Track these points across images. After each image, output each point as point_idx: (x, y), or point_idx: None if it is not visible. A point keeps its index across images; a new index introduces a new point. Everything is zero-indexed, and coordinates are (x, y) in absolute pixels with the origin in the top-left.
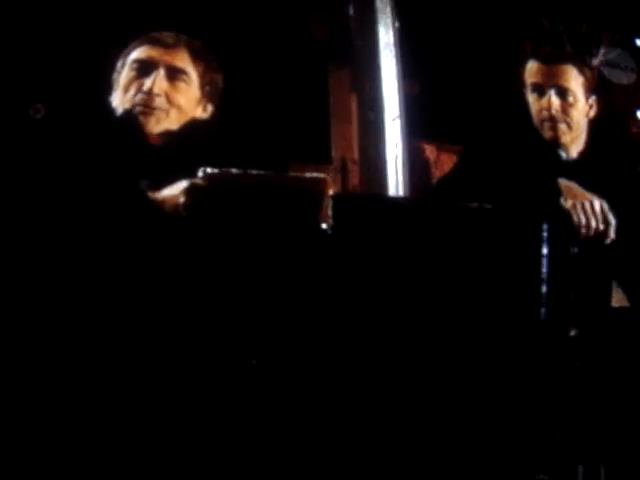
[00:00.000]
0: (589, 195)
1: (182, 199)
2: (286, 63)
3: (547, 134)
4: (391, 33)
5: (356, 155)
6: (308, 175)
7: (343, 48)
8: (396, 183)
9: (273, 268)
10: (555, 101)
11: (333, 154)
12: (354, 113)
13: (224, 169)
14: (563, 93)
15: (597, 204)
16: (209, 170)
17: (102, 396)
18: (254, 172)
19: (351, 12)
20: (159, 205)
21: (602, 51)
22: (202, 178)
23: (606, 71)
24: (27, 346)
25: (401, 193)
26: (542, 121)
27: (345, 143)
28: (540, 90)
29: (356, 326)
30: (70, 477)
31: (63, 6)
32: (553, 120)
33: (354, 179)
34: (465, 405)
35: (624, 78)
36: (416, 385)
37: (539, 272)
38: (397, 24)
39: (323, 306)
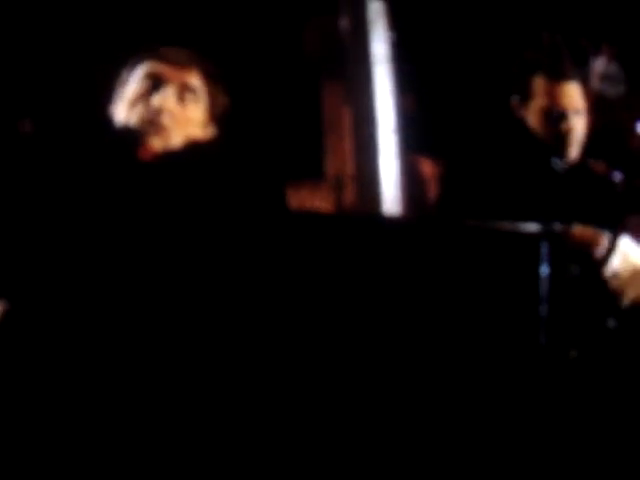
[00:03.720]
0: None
1: None
2: (280, 79)
3: (559, 150)
4: (385, 46)
5: (350, 170)
6: None
7: (337, 62)
8: (393, 199)
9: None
10: (575, 123)
11: (327, 170)
12: (348, 127)
13: None
14: (577, 113)
15: None
16: None
17: (85, 388)
18: None
19: (344, 25)
20: None
21: (600, 64)
22: None
23: (597, 84)
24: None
25: (398, 209)
26: (558, 140)
27: (339, 158)
28: (560, 113)
29: (351, 350)
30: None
31: (68, 16)
32: (571, 139)
33: (349, 195)
34: (464, 425)
35: (613, 90)
36: (414, 401)
37: (538, 292)
38: (392, 37)
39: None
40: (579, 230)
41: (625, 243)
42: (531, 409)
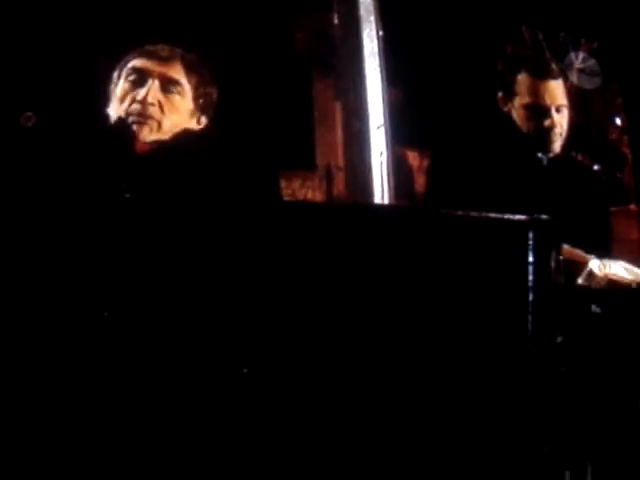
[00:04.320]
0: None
1: None
2: (271, 72)
3: (543, 145)
4: (375, 42)
5: (340, 162)
6: None
7: (327, 56)
8: (381, 190)
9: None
10: (558, 119)
11: (318, 161)
12: (338, 120)
13: None
14: (559, 109)
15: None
16: None
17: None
18: None
19: (335, 20)
20: None
21: (580, 58)
22: None
23: (576, 78)
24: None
25: (386, 200)
26: (542, 135)
27: (330, 150)
28: (543, 110)
29: (338, 338)
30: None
31: (60, 18)
32: (554, 134)
33: (339, 185)
34: (450, 416)
35: (591, 83)
36: (400, 394)
37: (525, 280)
38: (381, 33)
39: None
40: (566, 250)
41: (593, 264)
42: (518, 395)
